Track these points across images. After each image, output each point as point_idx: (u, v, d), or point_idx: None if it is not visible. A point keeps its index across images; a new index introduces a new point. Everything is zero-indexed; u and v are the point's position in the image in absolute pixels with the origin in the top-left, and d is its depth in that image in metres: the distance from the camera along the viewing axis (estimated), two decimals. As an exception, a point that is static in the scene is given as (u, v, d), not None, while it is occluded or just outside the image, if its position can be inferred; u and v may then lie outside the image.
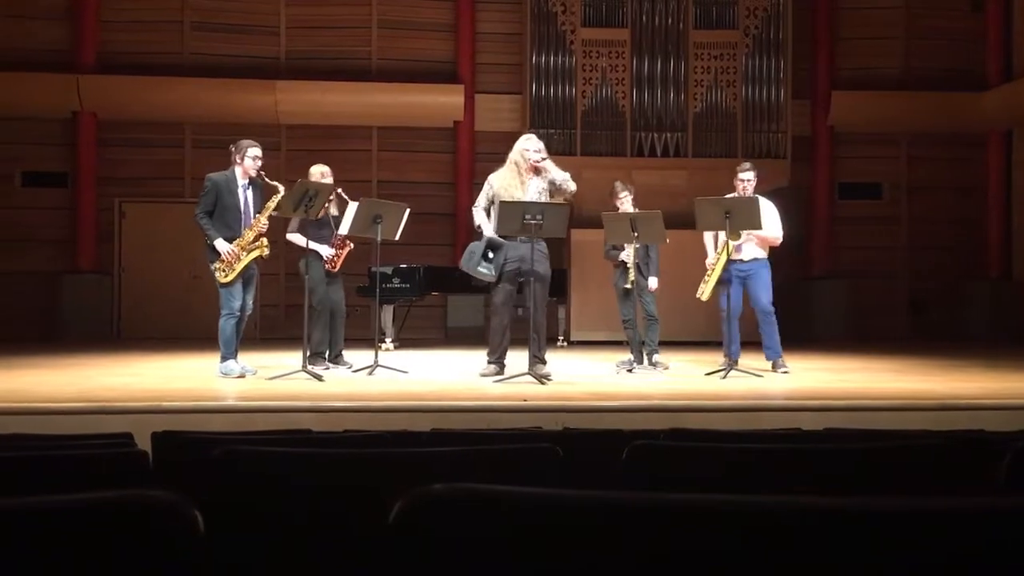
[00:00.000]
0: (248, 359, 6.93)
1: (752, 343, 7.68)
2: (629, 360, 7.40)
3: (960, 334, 12.09)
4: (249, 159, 6.61)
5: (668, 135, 11.79)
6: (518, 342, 6.90)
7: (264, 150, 6.91)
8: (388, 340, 9.75)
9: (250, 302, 6.72)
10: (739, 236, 7.04)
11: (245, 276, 6.59)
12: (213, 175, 6.68)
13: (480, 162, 11.81)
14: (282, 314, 12.05)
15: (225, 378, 6.47)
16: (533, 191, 6.55)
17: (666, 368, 7.39)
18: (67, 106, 11.88)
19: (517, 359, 6.73)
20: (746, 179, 7.25)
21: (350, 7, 12.53)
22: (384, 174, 12.43)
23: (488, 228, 6.60)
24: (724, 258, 7.11)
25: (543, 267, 6.52)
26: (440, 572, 0.96)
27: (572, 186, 6.61)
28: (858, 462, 2.20)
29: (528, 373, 6.32)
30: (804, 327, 12.13)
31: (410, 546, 0.97)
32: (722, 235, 7.07)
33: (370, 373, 6.74)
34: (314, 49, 12.43)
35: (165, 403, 5.00)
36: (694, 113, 11.86)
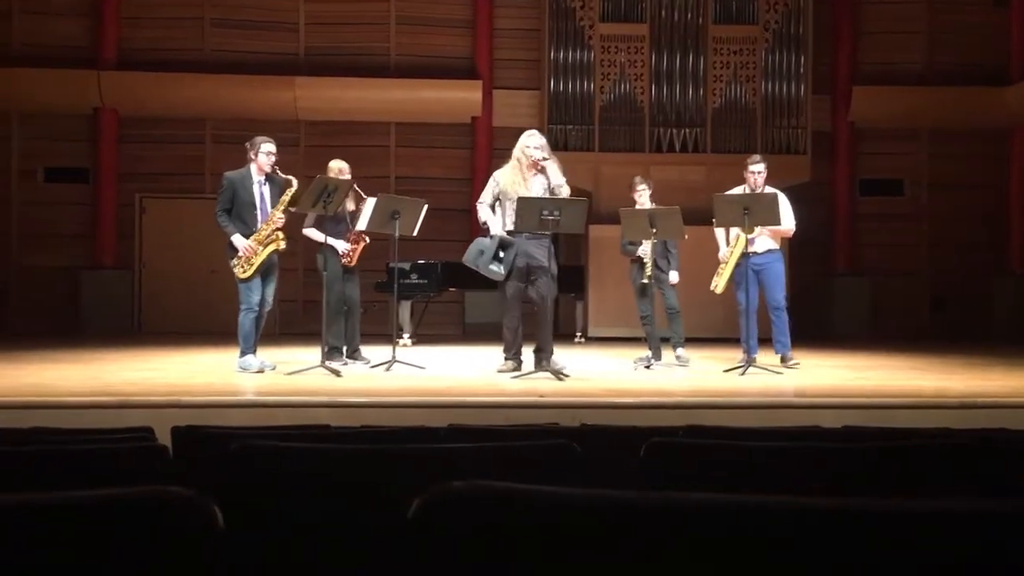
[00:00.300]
0: (266, 354, 6.97)
1: (769, 339, 7.64)
2: (647, 356, 7.38)
3: (982, 331, 11.98)
4: (263, 155, 6.65)
5: (687, 131, 11.74)
6: (529, 336, 6.90)
7: (283, 146, 6.94)
8: (406, 336, 9.77)
9: (270, 297, 6.76)
10: (753, 230, 7.03)
11: (265, 270, 6.63)
12: (229, 173, 6.74)
13: (497, 158, 11.77)
14: (300, 309, 12.09)
15: (244, 373, 6.51)
16: (536, 188, 6.54)
17: (686, 364, 7.37)
18: (88, 102, 11.96)
19: (529, 356, 6.72)
20: (756, 171, 7.23)
21: (369, 3, 12.55)
22: (402, 170, 12.45)
23: (496, 225, 6.60)
24: (738, 251, 7.10)
25: (549, 262, 6.52)
26: (459, 569, 0.97)
27: (564, 192, 6.57)
28: (877, 461, 2.18)
29: (546, 369, 6.32)
30: (825, 324, 12.07)
31: (429, 543, 0.97)
32: (734, 228, 7.04)
33: (388, 369, 6.76)
34: (333, 45, 12.46)
35: (185, 398, 5.04)
36: (713, 108, 11.80)
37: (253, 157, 6.69)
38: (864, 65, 12.70)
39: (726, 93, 11.83)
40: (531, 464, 2.09)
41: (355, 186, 7.19)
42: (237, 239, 6.52)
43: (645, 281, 7.23)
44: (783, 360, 7.24)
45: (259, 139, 6.75)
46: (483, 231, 6.80)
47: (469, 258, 6.64)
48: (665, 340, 7.54)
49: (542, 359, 6.48)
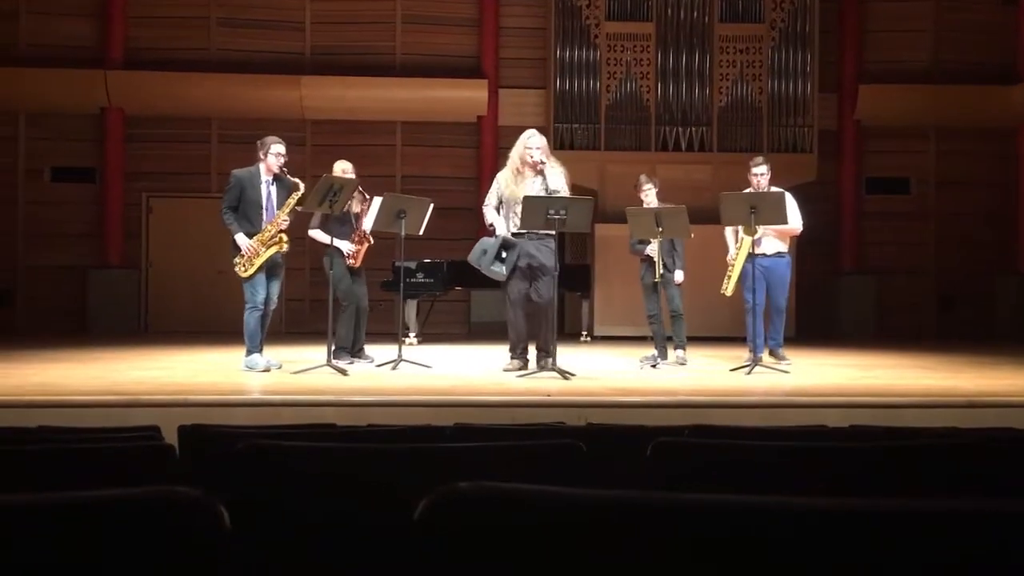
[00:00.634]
0: (273, 353, 6.98)
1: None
2: (653, 355, 7.38)
3: (989, 330, 11.95)
4: (272, 156, 6.66)
5: (693, 129, 11.72)
6: (533, 336, 6.89)
7: (289, 145, 6.95)
8: (412, 335, 9.78)
9: (274, 295, 6.77)
10: (756, 231, 7.02)
11: (270, 268, 6.64)
12: (237, 171, 6.75)
13: (503, 157, 11.75)
14: (307, 308, 12.11)
15: (250, 372, 6.53)
16: (536, 189, 6.53)
17: (683, 364, 7.34)
18: (95, 102, 11.99)
19: (534, 355, 6.72)
20: (759, 173, 7.26)
21: (375, 2, 12.56)
22: (408, 169, 12.45)
23: (501, 226, 6.61)
24: (744, 252, 7.10)
25: (551, 262, 6.51)
26: (464, 570, 0.97)
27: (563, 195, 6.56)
28: (883, 460, 2.17)
29: (551, 368, 6.32)
30: (831, 323, 12.05)
31: (435, 543, 0.97)
32: (741, 231, 7.05)
33: (394, 368, 6.76)
34: (339, 44, 12.47)
35: (191, 397, 5.05)
36: (719, 107, 11.78)
37: (263, 157, 6.70)
38: (870, 63, 12.67)
39: (732, 92, 11.81)
40: (537, 463, 2.09)
41: (359, 187, 7.21)
42: (240, 238, 6.54)
43: (656, 280, 7.23)
44: (772, 353, 7.26)
45: (269, 139, 6.76)
46: (489, 231, 6.81)
47: (473, 257, 6.66)
48: (669, 339, 7.54)
49: (543, 359, 6.48)
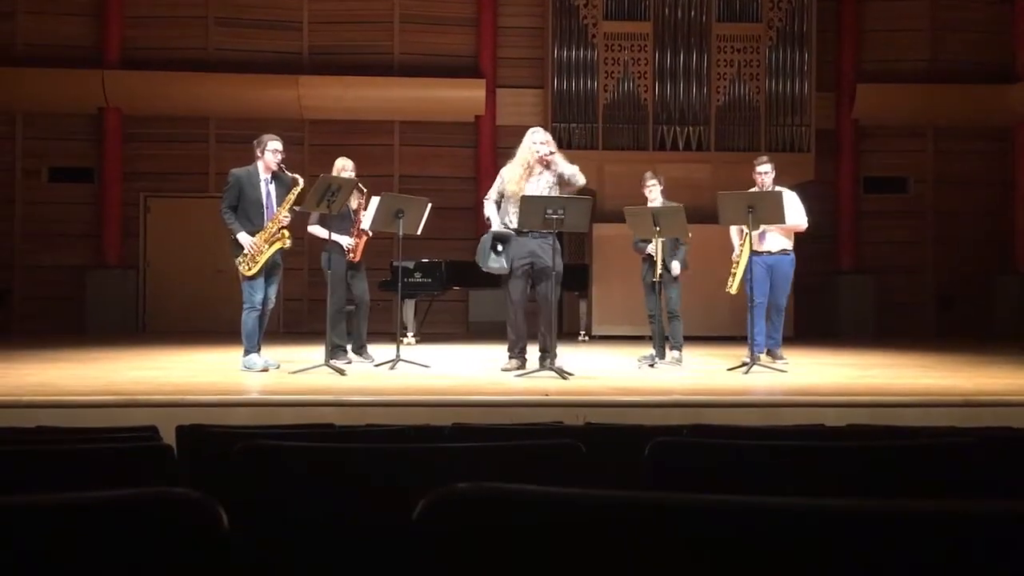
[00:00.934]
0: (271, 353, 6.97)
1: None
2: (651, 355, 7.38)
3: (988, 329, 11.96)
4: (270, 153, 6.66)
5: (690, 129, 11.73)
6: (533, 336, 6.90)
7: (287, 145, 6.95)
8: (410, 334, 9.78)
9: (272, 295, 6.77)
10: (758, 226, 7.06)
11: (268, 269, 6.63)
12: (236, 170, 6.74)
13: (502, 157, 11.75)
14: (305, 308, 12.11)
15: (248, 372, 6.52)
16: (543, 185, 6.54)
17: (678, 363, 7.32)
18: (93, 102, 11.98)
19: (533, 354, 6.72)
20: (763, 172, 7.33)
21: (373, 2, 12.56)
22: (406, 168, 12.45)
23: (496, 221, 6.61)
24: (747, 250, 7.11)
25: (556, 262, 6.52)
26: (463, 570, 0.96)
27: (581, 180, 6.58)
28: (882, 460, 2.18)
29: (550, 368, 6.32)
30: (829, 322, 12.06)
31: (434, 544, 0.97)
32: (745, 228, 7.07)
33: (392, 367, 6.76)
34: (337, 44, 12.46)
35: (189, 397, 5.05)
36: (717, 106, 11.79)
37: (260, 155, 6.69)
38: (868, 63, 12.68)
39: (730, 91, 11.81)
40: (536, 463, 2.09)
41: (358, 184, 7.20)
42: (243, 237, 6.53)
43: (656, 279, 7.23)
44: (773, 355, 7.27)
45: (266, 137, 6.76)
46: (488, 226, 6.81)
47: (477, 258, 6.67)
48: (667, 339, 7.53)
49: (546, 359, 6.48)
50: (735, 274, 7.28)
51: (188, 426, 2.85)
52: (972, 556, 0.95)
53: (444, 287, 10.18)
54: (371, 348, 7.46)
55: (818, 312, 11.89)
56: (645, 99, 11.76)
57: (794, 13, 11.86)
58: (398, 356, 6.86)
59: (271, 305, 6.79)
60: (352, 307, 7.42)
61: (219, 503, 1.04)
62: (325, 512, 1.95)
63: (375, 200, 7.07)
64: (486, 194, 6.85)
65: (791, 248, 7.45)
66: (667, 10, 11.79)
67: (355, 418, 4.39)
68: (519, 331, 6.70)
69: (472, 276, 9.94)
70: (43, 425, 3.83)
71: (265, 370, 6.54)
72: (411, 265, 9.74)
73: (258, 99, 12.04)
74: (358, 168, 7.44)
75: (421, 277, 9.91)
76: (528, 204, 6.24)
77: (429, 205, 7.13)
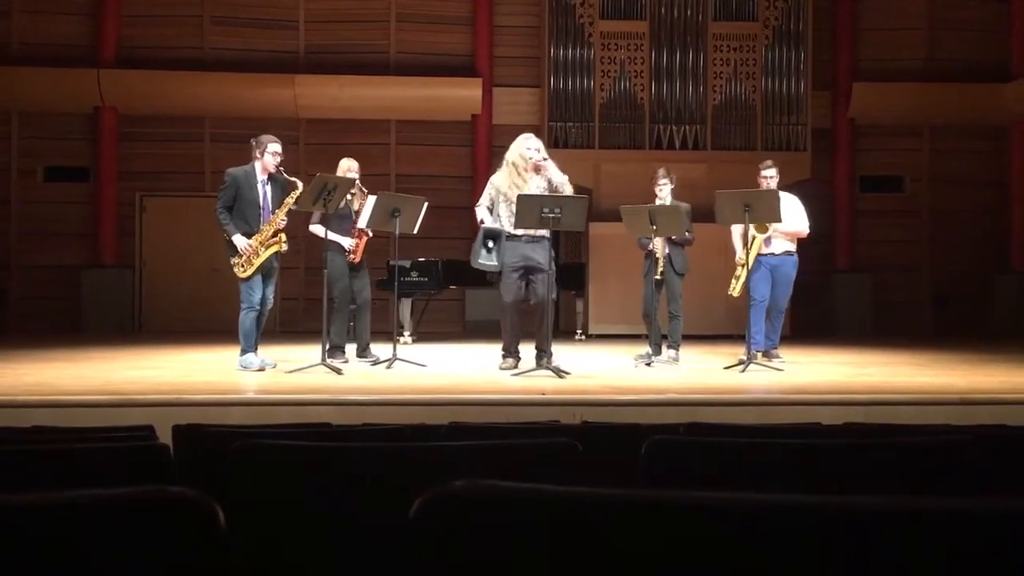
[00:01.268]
0: (268, 352, 6.97)
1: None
2: (647, 353, 7.38)
3: (984, 328, 11.98)
4: (269, 155, 6.62)
5: (687, 128, 11.73)
6: (528, 335, 6.89)
7: (283, 144, 6.92)
8: (406, 334, 9.77)
9: (270, 296, 6.75)
10: (767, 229, 7.09)
11: (265, 270, 6.61)
12: (232, 170, 6.70)
13: (498, 156, 11.76)
14: (302, 308, 12.10)
15: (245, 371, 6.51)
16: (534, 190, 6.53)
17: (675, 362, 7.33)
18: (88, 101, 11.96)
19: (528, 353, 6.72)
20: (768, 176, 7.36)
21: (368, 1, 12.54)
22: (402, 168, 12.44)
23: (489, 220, 6.62)
24: (754, 253, 7.15)
25: (546, 260, 6.51)
26: (460, 569, 0.97)
27: (569, 190, 6.58)
28: (878, 458, 2.18)
29: (546, 367, 6.33)
30: (826, 321, 12.07)
31: (430, 542, 0.97)
32: (750, 229, 7.08)
33: (388, 367, 6.76)
34: (333, 43, 12.45)
35: (186, 396, 5.04)
36: (713, 106, 11.80)
37: (259, 156, 6.65)
38: (864, 61, 12.69)
39: (726, 90, 11.82)
40: (532, 462, 2.09)
41: (359, 183, 7.21)
42: (239, 239, 6.49)
43: (658, 277, 7.23)
44: (769, 356, 7.29)
45: (266, 138, 6.72)
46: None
47: (471, 258, 6.68)
48: (665, 337, 7.54)
49: (542, 358, 6.48)
50: (739, 277, 7.29)
51: (184, 426, 2.84)
52: (968, 553, 0.95)
53: (440, 286, 10.17)
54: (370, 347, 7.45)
55: (815, 311, 11.89)
56: (641, 98, 11.77)
57: (790, 12, 11.87)
58: (395, 355, 6.86)
59: (269, 306, 6.78)
60: (354, 307, 7.41)
61: (216, 501, 1.04)
62: (322, 511, 1.95)
63: (371, 199, 7.07)
64: (478, 201, 6.86)
65: (794, 250, 7.47)
66: (663, 9, 11.80)
67: (352, 417, 4.39)
68: (514, 331, 6.71)
69: (469, 275, 9.93)
70: (39, 425, 3.83)
71: (262, 369, 6.53)
72: (407, 264, 9.74)
73: (254, 98, 12.02)
74: (354, 168, 7.42)
75: (417, 276, 9.91)
76: (524, 203, 6.24)
77: (425, 204, 7.13)
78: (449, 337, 11.12)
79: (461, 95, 12.32)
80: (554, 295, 6.74)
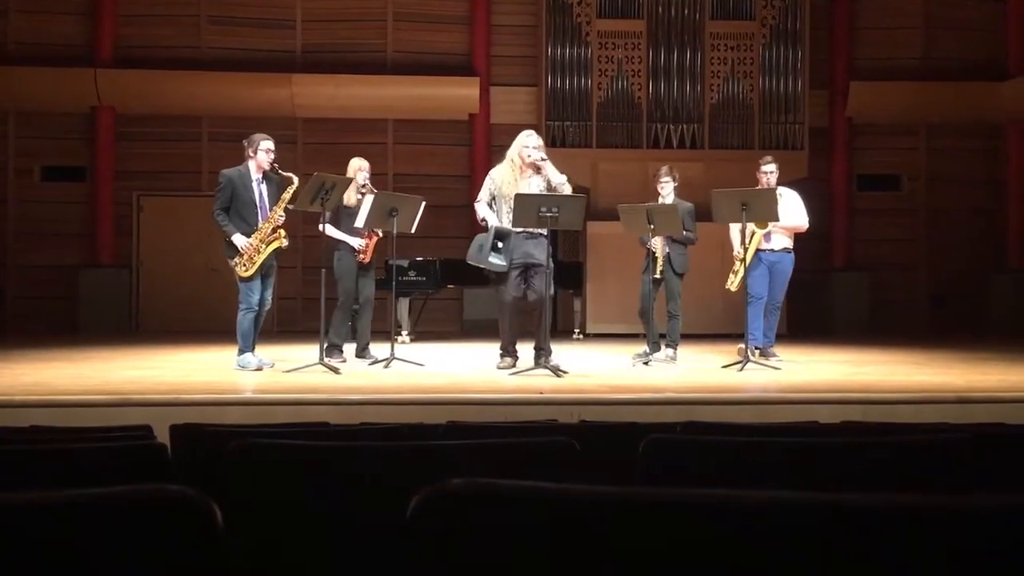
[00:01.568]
0: (265, 352, 6.96)
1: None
2: (645, 352, 7.38)
3: (981, 326, 11.99)
4: (262, 152, 6.62)
5: (684, 127, 11.73)
6: (527, 334, 6.89)
7: (280, 143, 6.92)
8: (404, 333, 9.77)
9: (268, 297, 6.74)
10: (767, 225, 7.12)
11: (264, 270, 6.61)
12: (227, 171, 6.69)
13: (496, 155, 11.76)
14: (299, 307, 12.09)
15: (243, 371, 6.51)
16: (532, 188, 6.54)
17: (672, 361, 7.32)
18: (85, 101, 11.94)
19: (526, 352, 6.73)
20: (768, 171, 7.38)
21: (365, 0, 12.54)
22: (400, 167, 12.43)
23: (492, 219, 6.61)
24: (753, 248, 7.17)
25: (548, 261, 6.52)
26: (457, 566, 0.97)
27: (567, 190, 6.58)
28: (875, 456, 2.18)
29: (544, 366, 6.33)
30: (823, 320, 12.07)
31: (427, 540, 0.97)
32: (750, 225, 7.10)
33: (386, 366, 6.76)
34: (330, 42, 12.44)
35: (184, 396, 5.04)
36: (711, 104, 11.80)
37: (252, 155, 6.65)
38: (861, 60, 12.70)
39: (723, 89, 11.82)
40: (530, 461, 2.09)
41: (369, 184, 7.23)
42: (238, 238, 6.48)
43: (657, 276, 7.23)
44: (765, 354, 7.30)
45: (258, 137, 6.72)
46: (482, 227, 6.81)
47: (471, 255, 6.65)
48: (662, 336, 7.54)
49: (540, 356, 6.48)
50: (737, 272, 7.31)
51: (182, 425, 2.85)
52: (965, 551, 0.95)
53: (438, 285, 10.17)
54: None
55: (812, 309, 11.90)
56: (639, 97, 11.77)
57: (787, 11, 11.87)
58: (392, 355, 6.86)
59: (268, 306, 6.77)
60: (356, 306, 7.41)
61: (214, 500, 1.04)
62: (319, 511, 1.95)
63: (368, 198, 7.06)
64: (477, 196, 6.86)
65: (792, 247, 7.50)
66: (661, 8, 11.80)
67: (350, 417, 4.39)
68: (512, 330, 6.72)
69: (466, 274, 9.94)
70: (37, 425, 3.82)
71: (260, 369, 6.53)
72: (405, 263, 9.73)
73: (251, 98, 12.01)
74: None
75: (415, 275, 9.90)
76: (522, 202, 6.25)
77: (423, 203, 7.12)
78: (447, 336, 11.11)
79: (458, 94, 12.31)
80: (551, 293, 6.74)
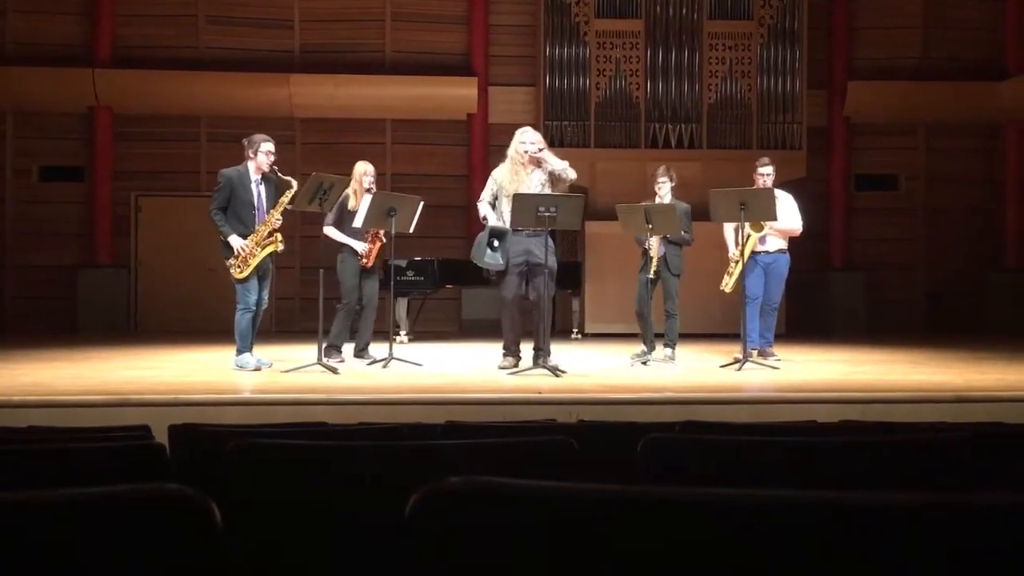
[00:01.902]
0: (263, 352, 6.96)
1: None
2: (643, 351, 7.38)
3: (979, 326, 12.00)
4: (262, 154, 6.60)
5: (682, 126, 11.74)
6: (528, 333, 6.89)
7: (279, 143, 6.91)
8: (403, 333, 9.77)
9: (266, 297, 6.74)
10: (762, 228, 7.13)
11: (261, 271, 6.60)
12: (226, 171, 6.68)
13: (494, 155, 11.78)
14: (297, 307, 12.09)
15: (241, 371, 6.50)
16: (535, 184, 6.55)
17: (671, 360, 7.32)
18: (83, 101, 11.93)
19: (528, 352, 6.73)
20: (765, 173, 7.39)
21: (363, 0, 12.53)
22: (398, 167, 12.43)
23: (493, 218, 6.62)
24: (748, 250, 7.17)
25: (550, 260, 6.52)
26: (456, 565, 0.97)
27: (572, 174, 6.60)
28: (873, 455, 2.19)
29: (543, 366, 6.33)
30: (821, 319, 12.08)
31: (426, 539, 0.97)
32: (746, 227, 7.10)
33: (385, 366, 6.76)
34: (328, 42, 12.44)
35: (182, 396, 5.04)
36: (708, 104, 11.80)
37: (252, 156, 6.63)
38: (859, 60, 12.70)
39: (721, 89, 11.83)
40: (528, 460, 2.09)
41: (373, 183, 7.24)
42: (235, 240, 6.47)
43: (651, 276, 7.23)
44: (764, 355, 7.31)
45: (258, 137, 6.70)
46: (483, 226, 6.81)
47: (472, 254, 6.68)
48: (659, 335, 7.54)
49: (540, 357, 6.48)
50: (731, 273, 7.32)
51: (181, 425, 2.84)
52: (964, 549, 0.95)
53: (437, 285, 10.17)
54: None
55: (810, 309, 11.91)
56: (637, 97, 11.77)
57: (785, 10, 11.87)
58: (391, 354, 6.86)
59: (264, 306, 6.77)
60: (359, 307, 7.41)
61: (212, 500, 1.04)
62: (318, 511, 1.95)
63: (367, 198, 7.05)
64: (480, 195, 6.87)
65: (787, 247, 7.54)
66: (659, 8, 11.80)
67: (348, 417, 4.39)
68: (514, 329, 6.72)
69: (465, 274, 9.96)
70: (35, 425, 3.82)
71: (258, 369, 6.52)
72: (403, 263, 9.73)
73: (249, 98, 12.01)
74: (349, 168, 7.42)
75: (414, 275, 9.90)
76: (520, 202, 6.25)
77: (421, 203, 7.12)
78: (445, 336, 11.11)
79: (457, 94, 12.31)
80: (552, 292, 6.75)
